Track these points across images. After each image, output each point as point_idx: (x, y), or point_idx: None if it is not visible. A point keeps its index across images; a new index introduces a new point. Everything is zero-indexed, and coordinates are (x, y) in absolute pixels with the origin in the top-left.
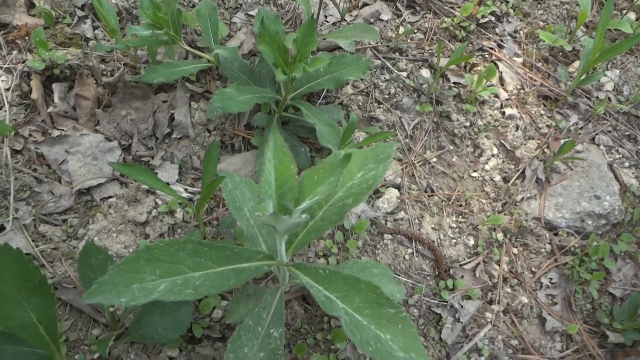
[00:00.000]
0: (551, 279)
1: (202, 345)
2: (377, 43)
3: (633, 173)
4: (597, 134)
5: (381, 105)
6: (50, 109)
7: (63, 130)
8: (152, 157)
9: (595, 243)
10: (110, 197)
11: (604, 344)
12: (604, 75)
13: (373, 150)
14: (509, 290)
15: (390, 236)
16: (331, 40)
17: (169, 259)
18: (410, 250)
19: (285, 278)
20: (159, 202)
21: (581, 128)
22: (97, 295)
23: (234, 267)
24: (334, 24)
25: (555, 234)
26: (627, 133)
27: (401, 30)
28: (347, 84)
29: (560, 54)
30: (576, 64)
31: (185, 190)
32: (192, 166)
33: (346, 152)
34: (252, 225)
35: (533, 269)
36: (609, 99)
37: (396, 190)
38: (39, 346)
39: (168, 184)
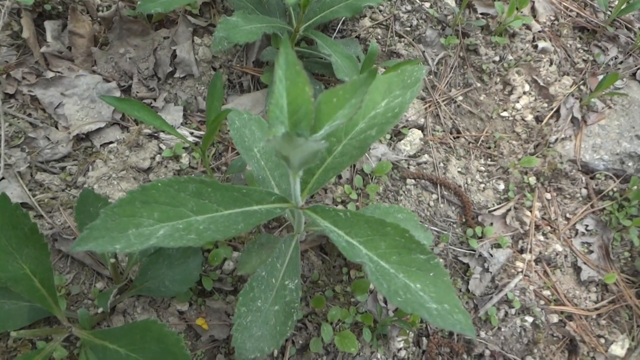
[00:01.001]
0: (587, 225)
1: (213, 298)
2: None
3: None
4: (638, 68)
5: (402, 39)
6: (43, 49)
7: (58, 71)
8: (155, 99)
9: (636, 186)
10: (110, 142)
11: None
12: None
13: (399, 74)
14: (541, 238)
15: (413, 181)
16: None
17: (169, 200)
18: (435, 196)
19: (301, 224)
20: (163, 146)
21: (621, 62)
22: (88, 242)
23: (242, 210)
24: None
25: (592, 178)
26: None
27: None
28: (365, 16)
29: None
30: None
31: (191, 134)
32: (197, 108)
33: (370, 69)
34: (262, 167)
35: (568, 215)
36: None
37: (419, 132)
38: (35, 300)
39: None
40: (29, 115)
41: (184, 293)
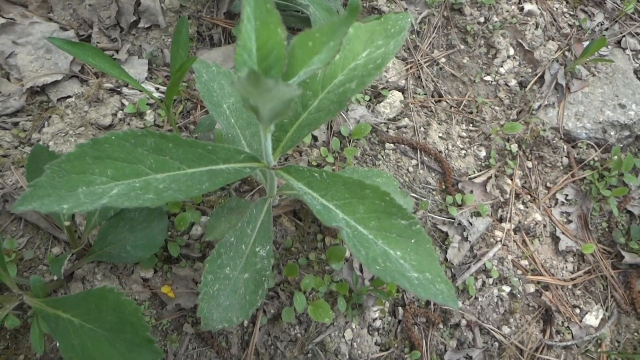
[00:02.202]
0: (567, 195)
1: (179, 265)
2: None
3: None
4: (623, 36)
5: None
6: None
7: (10, 17)
8: (117, 51)
9: (616, 156)
10: (68, 96)
11: (617, 265)
12: None
13: (382, 23)
14: (521, 207)
15: (392, 145)
16: None
17: (124, 156)
18: (414, 162)
19: (274, 187)
20: (126, 102)
21: (606, 29)
22: (32, 201)
23: (207, 169)
24: None
25: (574, 146)
26: None
27: None
28: None
29: None
30: None
31: (157, 89)
32: (163, 61)
33: (350, 5)
34: (232, 125)
35: (548, 184)
36: None
37: (400, 94)
38: None
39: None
40: None
41: (148, 259)
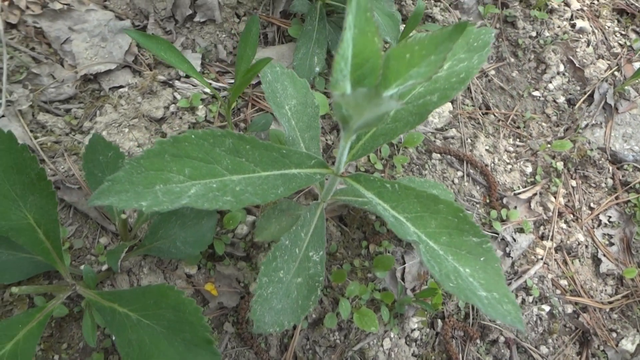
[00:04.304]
0: (610, 217)
1: (223, 263)
2: None
3: None
4: None
5: (439, 3)
6: None
7: (66, 3)
8: (171, 43)
9: None
10: (121, 86)
11: None
12: None
13: (463, 36)
14: (563, 226)
15: (439, 155)
16: None
17: (202, 156)
18: (460, 173)
19: (330, 193)
20: (178, 96)
21: None
22: (109, 196)
23: (281, 173)
24: None
25: (619, 168)
26: None
27: None
28: None
29: None
30: None
31: (209, 85)
32: (217, 57)
33: (458, 23)
34: (293, 127)
35: (592, 204)
36: None
37: (449, 104)
38: (38, 253)
39: (188, 76)
40: (33, 49)
41: (195, 256)
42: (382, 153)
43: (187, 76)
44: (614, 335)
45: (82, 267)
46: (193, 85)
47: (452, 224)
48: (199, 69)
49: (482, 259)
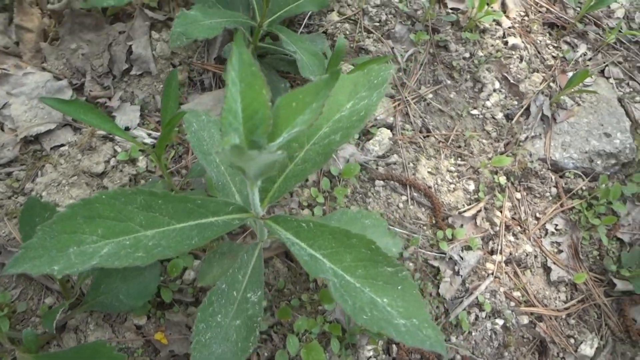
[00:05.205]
0: (556, 225)
1: (173, 311)
2: None
3: None
4: (606, 65)
5: (371, 35)
6: None
7: (4, 68)
8: (110, 98)
9: (604, 185)
10: (61, 145)
11: (610, 293)
12: (615, 1)
13: (365, 74)
14: (511, 238)
15: (382, 182)
16: None
17: (114, 215)
18: (404, 198)
19: (264, 233)
20: (118, 149)
21: (590, 59)
22: (23, 263)
23: (197, 223)
24: None
25: (562, 176)
26: (638, 64)
27: None
28: (332, 10)
29: None
30: None
31: (149, 135)
32: (155, 107)
33: (332, 71)
34: (222, 172)
35: (537, 214)
36: (620, 26)
37: (388, 131)
38: None
39: (128, 128)
40: None
41: (141, 307)
42: (323, 186)
43: (127, 128)
44: (572, 341)
45: (24, 330)
46: (134, 137)
47: (366, 257)
48: (138, 120)
49: (399, 287)
